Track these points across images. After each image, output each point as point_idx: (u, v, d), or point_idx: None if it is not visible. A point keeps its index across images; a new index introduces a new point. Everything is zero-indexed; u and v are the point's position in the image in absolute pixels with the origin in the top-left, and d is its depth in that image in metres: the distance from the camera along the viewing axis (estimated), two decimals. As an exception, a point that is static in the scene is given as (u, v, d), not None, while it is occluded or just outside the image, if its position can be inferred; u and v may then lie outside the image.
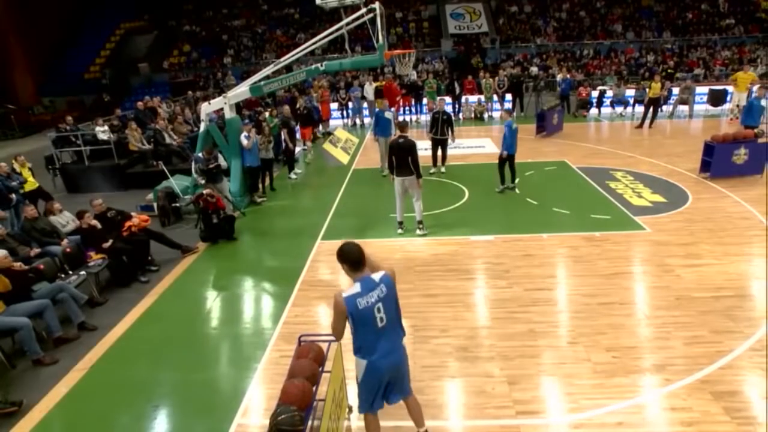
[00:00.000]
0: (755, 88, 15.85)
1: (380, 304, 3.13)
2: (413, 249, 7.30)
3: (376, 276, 3.19)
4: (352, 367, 4.40)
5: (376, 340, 3.18)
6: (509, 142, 9.00)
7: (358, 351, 3.22)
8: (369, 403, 3.34)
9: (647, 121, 14.68)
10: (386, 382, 3.33)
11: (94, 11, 27.84)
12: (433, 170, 10.76)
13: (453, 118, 10.69)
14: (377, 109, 11.33)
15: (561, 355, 4.70)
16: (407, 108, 17.97)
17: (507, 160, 9.22)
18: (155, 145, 11.92)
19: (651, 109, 14.62)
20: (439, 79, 19.29)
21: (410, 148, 7.15)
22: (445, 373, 4.54)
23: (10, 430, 4.22)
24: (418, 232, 7.64)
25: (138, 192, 10.54)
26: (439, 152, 10.79)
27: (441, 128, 10.46)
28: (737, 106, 15.28)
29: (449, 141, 10.69)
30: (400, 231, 7.74)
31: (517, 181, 9.59)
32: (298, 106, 14.31)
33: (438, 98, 12.35)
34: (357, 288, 3.11)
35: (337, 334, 3.25)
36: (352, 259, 3.13)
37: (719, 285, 5.79)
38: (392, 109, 12.71)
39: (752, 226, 7.41)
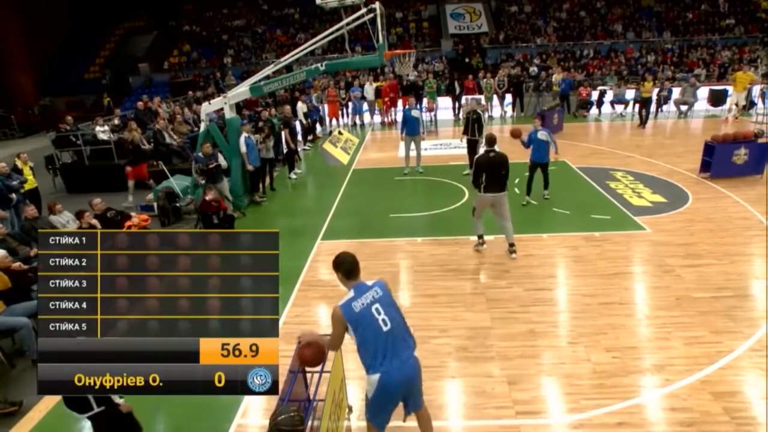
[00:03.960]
0: (756, 88, 15.90)
1: (378, 305, 3.09)
2: (413, 249, 7.29)
3: (369, 282, 3.21)
4: (352, 367, 4.42)
5: (384, 346, 3.07)
6: (545, 148, 8.65)
7: (369, 367, 3.10)
8: (378, 421, 3.21)
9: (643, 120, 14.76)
10: (400, 399, 3.21)
11: (94, 11, 27.83)
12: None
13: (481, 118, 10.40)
14: (404, 108, 11.27)
15: (561, 355, 4.70)
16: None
17: (540, 166, 8.79)
18: (155, 145, 11.91)
19: (642, 109, 14.72)
20: (439, 79, 19.29)
21: (505, 162, 6.62)
22: (445, 373, 4.54)
23: (9, 430, 4.22)
24: (513, 256, 6.86)
25: (138, 192, 10.54)
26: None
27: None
28: (735, 105, 15.29)
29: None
30: (483, 247, 7.08)
31: (546, 192, 9.02)
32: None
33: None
34: (351, 293, 3.13)
35: (334, 345, 3.21)
36: (345, 268, 3.16)
37: (719, 285, 5.79)
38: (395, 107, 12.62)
39: (752, 226, 7.41)
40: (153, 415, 4.25)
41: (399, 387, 3.13)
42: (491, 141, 6.80)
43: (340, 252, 3.24)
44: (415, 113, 10.82)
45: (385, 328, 3.08)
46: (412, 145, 10.84)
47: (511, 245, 6.90)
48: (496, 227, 7.74)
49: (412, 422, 3.63)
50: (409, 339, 3.23)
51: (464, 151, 10.70)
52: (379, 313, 3.09)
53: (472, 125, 10.26)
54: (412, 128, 10.70)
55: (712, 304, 5.39)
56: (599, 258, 6.63)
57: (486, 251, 7.05)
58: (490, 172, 6.56)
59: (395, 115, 17.19)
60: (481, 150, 6.90)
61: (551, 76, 17.73)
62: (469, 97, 16.68)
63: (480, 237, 7.13)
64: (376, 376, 3.07)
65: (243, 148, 9.31)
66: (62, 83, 24.83)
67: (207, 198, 7.89)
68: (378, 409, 3.19)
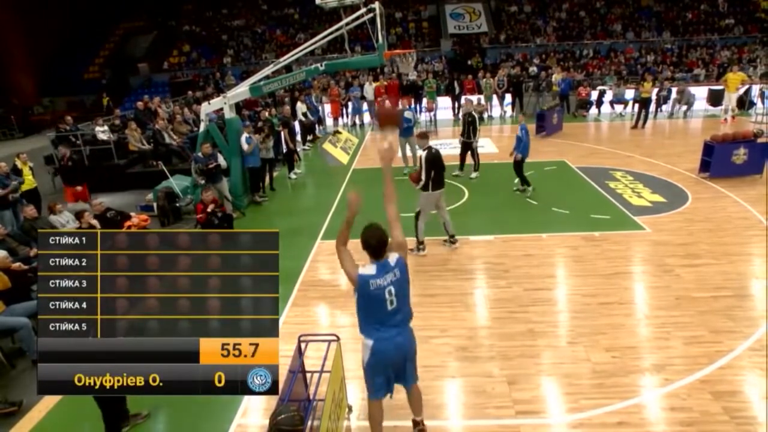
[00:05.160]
0: (755, 87, 15.91)
1: (392, 287, 3.18)
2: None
3: (392, 258, 3.25)
4: (352, 367, 4.43)
5: (383, 321, 3.22)
6: (525, 144, 8.78)
7: (363, 329, 3.26)
8: (374, 387, 3.36)
9: (640, 121, 14.73)
10: (393, 366, 3.34)
11: (93, 11, 27.83)
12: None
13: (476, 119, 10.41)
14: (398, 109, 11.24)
15: (560, 354, 4.71)
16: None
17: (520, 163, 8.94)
18: (155, 145, 11.92)
19: (642, 109, 14.71)
20: (439, 79, 19.29)
21: (441, 157, 6.63)
22: (445, 373, 4.54)
23: (9, 430, 4.22)
24: (456, 246, 7.08)
25: (138, 192, 10.54)
26: None
27: None
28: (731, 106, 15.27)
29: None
30: (425, 252, 6.99)
31: (531, 188, 9.17)
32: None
33: None
34: (372, 270, 3.18)
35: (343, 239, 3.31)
36: (372, 245, 3.21)
37: (719, 285, 5.79)
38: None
39: (751, 225, 7.42)
40: (153, 415, 4.26)
41: (391, 354, 3.27)
42: (426, 136, 6.81)
43: (367, 225, 3.25)
44: (408, 114, 10.80)
45: (390, 307, 3.20)
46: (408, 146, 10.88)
47: (453, 236, 7.07)
48: (498, 227, 7.77)
49: (408, 422, 3.65)
50: (407, 313, 3.34)
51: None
52: (390, 294, 3.18)
53: (468, 127, 10.27)
54: (404, 129, 10.70)
55: (712, 304, 5.40)
56: (599, 258, 6.63)
57: (486, 251, 7.05)
58: (438, 169, 6.55)
59: None
60: (423, 150, 6.68)
61: (551, 75, 17.74)
62: (465, 97, 16.68)
63: (422, 242, 6.98)
64: (370, 342, 3.23)
65: (245, 146, 9.34)
66: (62, 83, 24.83)
67: (201, 210, 7.65)
68: (372, 374, 3.32)
